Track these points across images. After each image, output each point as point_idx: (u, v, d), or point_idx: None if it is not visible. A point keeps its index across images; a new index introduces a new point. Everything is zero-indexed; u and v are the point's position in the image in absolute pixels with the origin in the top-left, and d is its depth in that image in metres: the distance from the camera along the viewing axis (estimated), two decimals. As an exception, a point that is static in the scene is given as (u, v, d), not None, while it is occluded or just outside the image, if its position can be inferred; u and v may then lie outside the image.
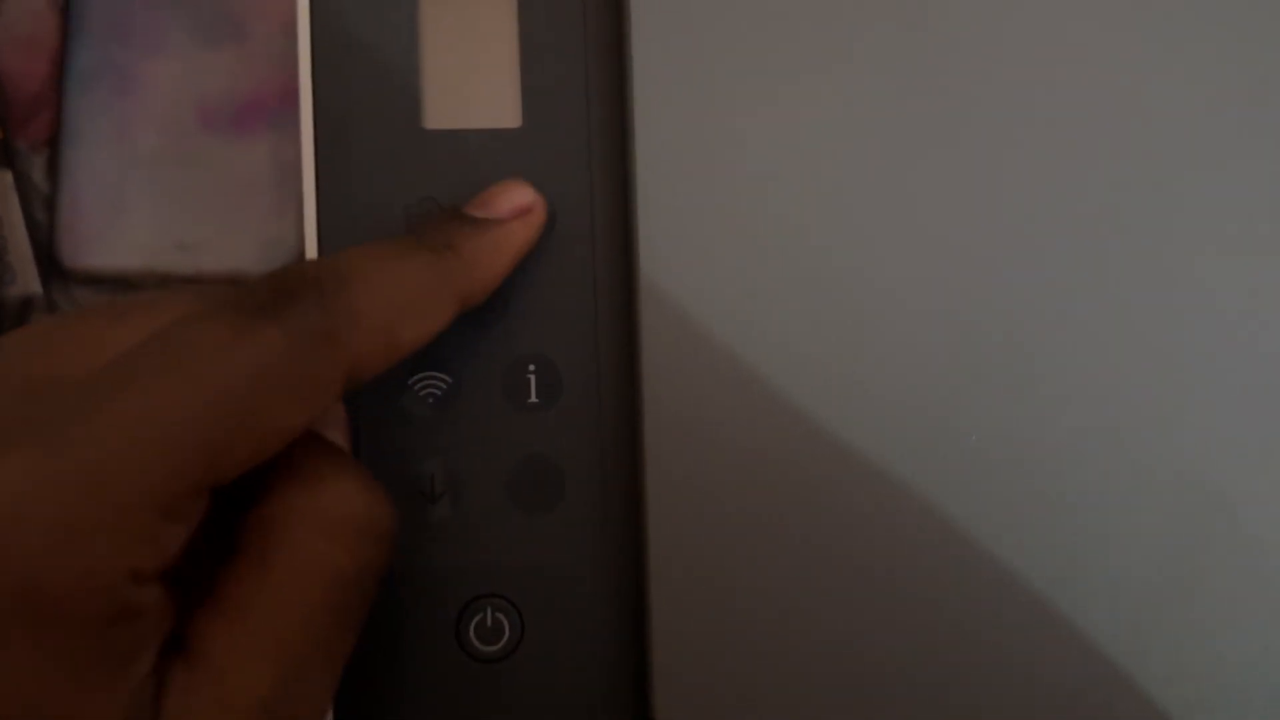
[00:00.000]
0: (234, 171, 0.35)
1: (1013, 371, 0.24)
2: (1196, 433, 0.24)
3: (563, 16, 0.25)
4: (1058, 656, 0.24)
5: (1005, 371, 0.24)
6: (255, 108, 0.35)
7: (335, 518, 0.20)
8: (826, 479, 0.24)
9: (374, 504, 0.20)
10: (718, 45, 0.24)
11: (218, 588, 0.19)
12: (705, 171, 0.24)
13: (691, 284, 0.24)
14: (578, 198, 0.25)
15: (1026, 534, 0.24)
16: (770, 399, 0.24)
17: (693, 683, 0.23)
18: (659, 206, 0.24)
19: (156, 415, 0.18)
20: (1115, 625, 0.24)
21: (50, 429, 0.17)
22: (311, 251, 0.25)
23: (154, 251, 0.34)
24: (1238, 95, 0.25)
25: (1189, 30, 0.25)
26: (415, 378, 0.25)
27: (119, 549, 0.17)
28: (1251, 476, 0.24)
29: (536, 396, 0.25)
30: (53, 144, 0.35)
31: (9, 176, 0.35)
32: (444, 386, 0.25)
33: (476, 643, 0.24)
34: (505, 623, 0.24)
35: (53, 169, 0.35)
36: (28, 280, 0.34)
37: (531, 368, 0.25)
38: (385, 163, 0.24)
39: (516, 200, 0.24)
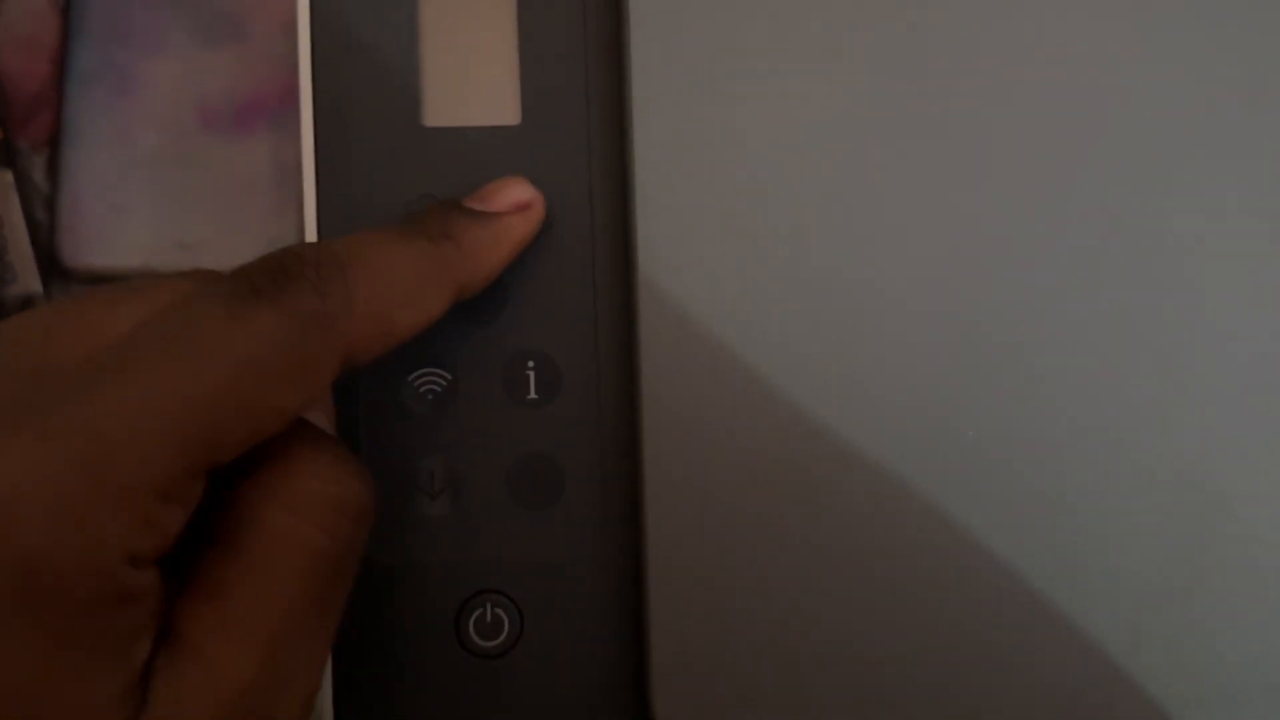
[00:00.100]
0: (234, 171, 0.35)
1: (1011, 370, 0.24)
2: (1195, 431, 0.24)
3: (562, 14, 0.25)
4: (1057, 654, 0.24)
5: (1004, 370, 0.24)
6: (255, 107, 0.35)
7: (309, 496, 0.20)
8: (825, 476, 0.24)
9: (348, 481, 0.20)
10: (716, 43, 0.24)
11: (199, 572, 0.19)
12: (704, 169, 0.24)
13: (690, 281, 0.24)
14: (577, 195, 0.25)
15: (1025, 532, 0.24)
16: (769, 396, 0.24)
17: (691, 678, 0.23)
18: (658, 204, 0.24)
19: (153, 398, 0.18)
20: (1114, 623, 0.24)
21: (48, 413, 0.17)
22: (311, 249, 0.25)
23: (154, 251, 0.34)
24: (1237, 95, 0.25)
25: (1189, 30, 0.25)
26: (415, 374, 0.25)
27: (118, 531, 0.17)
28: (1251, 475, 0.24)
29: (536, 393, 0.25)
30: (53, 144, 0.35)
31: (9, 176, 0.35)
32: (444, 383, 0.25)
33: (476, 638, 0.24)
34: (505, 618, 0.24)
35: (53, 169, 0.35)
36: (28, 280, 0.34)
37: (531, 364, 0.25)
38: (385, 160, 0.25)
39: (515, 196, 0.24)
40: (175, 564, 0.19)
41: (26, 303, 0.34)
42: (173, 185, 0.35)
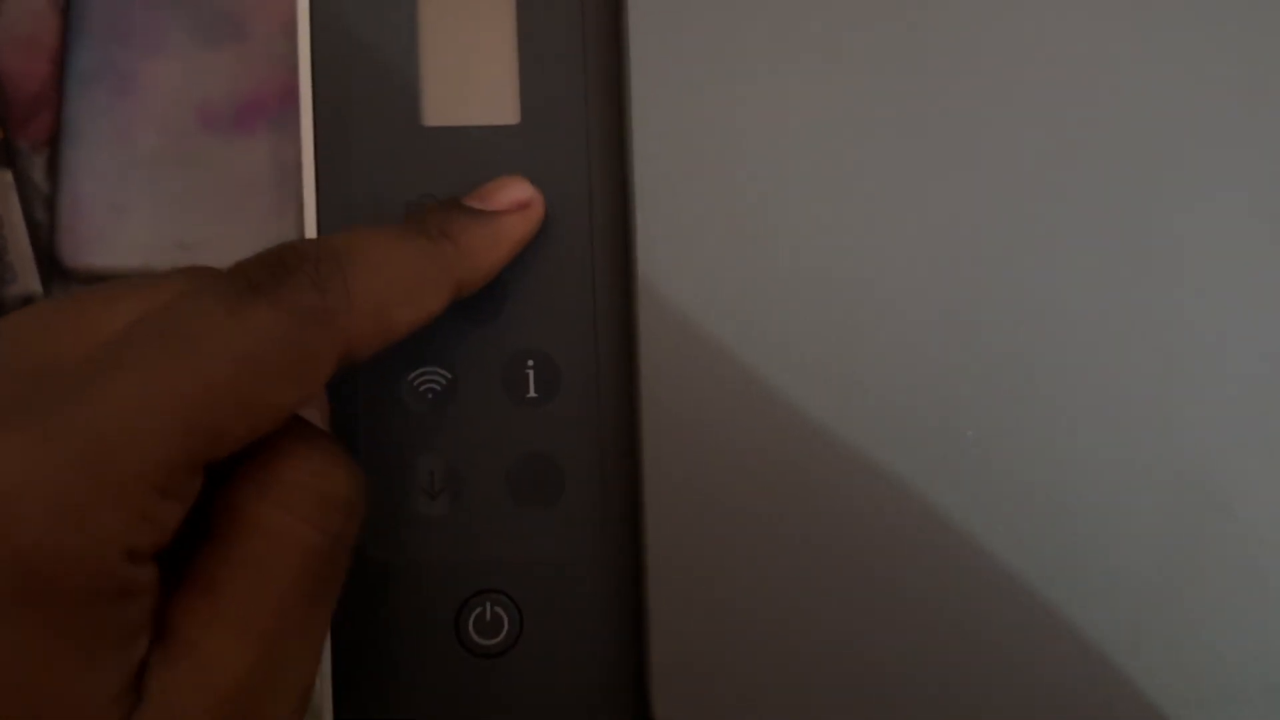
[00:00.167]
0: (234, 171, 0.35)
1: (1011, 370, 0.24)
2: (1195, 431, 0.24)
3: (561, 14, 0.25)
4: (1056, 654, 0.24)
5: (1003, 370, 0.24)
6: (255, 108, 0.35)
7: (298, 491, 0.20)
8: (824, 475, 0.24)
9: (338, 475, 0.20)
10: (715, 43, 0.24)
11: (192, 568, 0.19)
12: (703, 168, 0.24)
13: (689, 279, 0.24)
14: (576, 194, 0.25)
15: (1025, 532, 0.24)
16: (768, 395, 0.24)
17: (690, 677, 0.23)
18: (657, 203, 0.24)
19: (152, 394, 0.18)
20: (1113, 623, 0.24)
21: (47, 409, 0.17)
22: (311, 248, 0.25)
23: (154, 251, 0.34)
24: (1237, 94, 0.25)
25: (1189, 29, 0.25)
26: (415, 373, 0.25)
27: (116, 527, 0.17)
28: (1250, 474, 0.24)
29: (535, 392, 0.25)
30: (53, 144, 0.35)
31: (9, 176, 0.35)
32: (443, 382, 0.25)
33: (476, 637, 0.24)
34: (504, 617, 0.24)
35: (53, 169, 0.35)
36: (28, 280, 0.34)
37: (530, 363, 0.25)
38: (384, 160, 0.25)
39: (514, 195, 0.24)
40: (171, 562, 0.19)
41: (26, 303, 0.34)
42: (172, 185, 0.35)
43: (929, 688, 0.24)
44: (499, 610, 0.24)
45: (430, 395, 0.25)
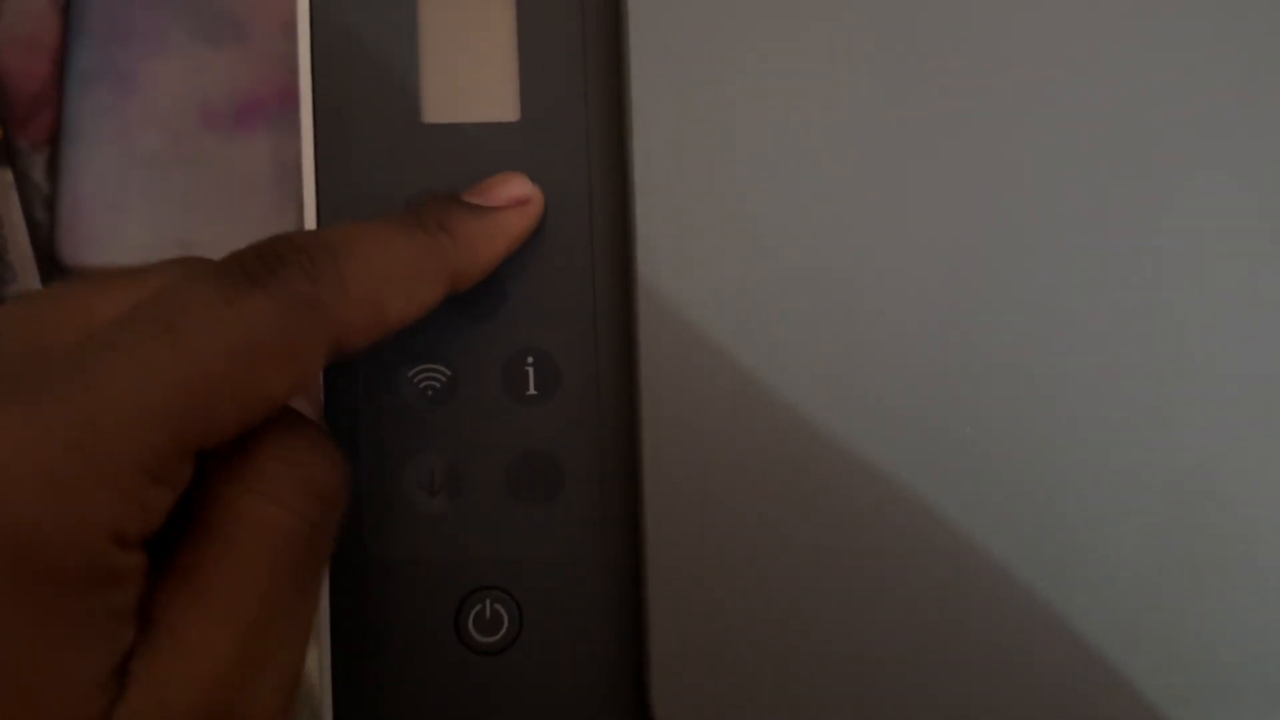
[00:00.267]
0: (234, 170, 0.35)
1: (1010, 368, 0.24)
2: (1193, 428, 0.24)
3: (561, 11, 0.25)
4: (1052, 650, 0.24)
5: (1002, 370, 0.24)
6: (255, 107, 0.35)
7: (276, 478, 0.20)
8: (824, 473, 0.24)
9: (317, 462, 0.20)
10: (715, 41, 0.24)
11: (175, 555, 0.19)
12: (703, 165, 0.24)
13: (689, 277, 0.24)
14: (576, 191, 0.25)
15: (1023, 531, 0.24)
16: (767, 392, 0.24)
17: (690, 675, 0.23)
18: (656, 200, 0.24)
19: (144, 378, 0.18)
20: (1112, 621, 0.24)
21: (39, 392, 0.18)
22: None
23: (154, 250, 0.35)
24: (1237, 93, 0.25)
25: (1191, 30, 0.25)
26: (415, 370, 0.25)
27: (105, 509, 0.17)
28: (1247, 469, 0.24)
29: (535, 389, 0.25)
30: (53, 143, 0.35)
31: (9, 175, 0.35)
32: (443, 379, 0.25)
33: (476, 635, 0.24)
34: (504, 614, 0.24)
35: (53, 168, 0.35)
36: (28, 279, 0.34)
37: (530, 360, 0.25)
38: (385, 157, 0.25)
39: (513, 191, 0.24)
40: (158, 554, 0.19)
41: (26, 302, 0.34)
42: (173, 185, 0.35)
43: (929, 686, 0.24)
44: (499, 608, 0.24)
45: (430, 392, 0.25)
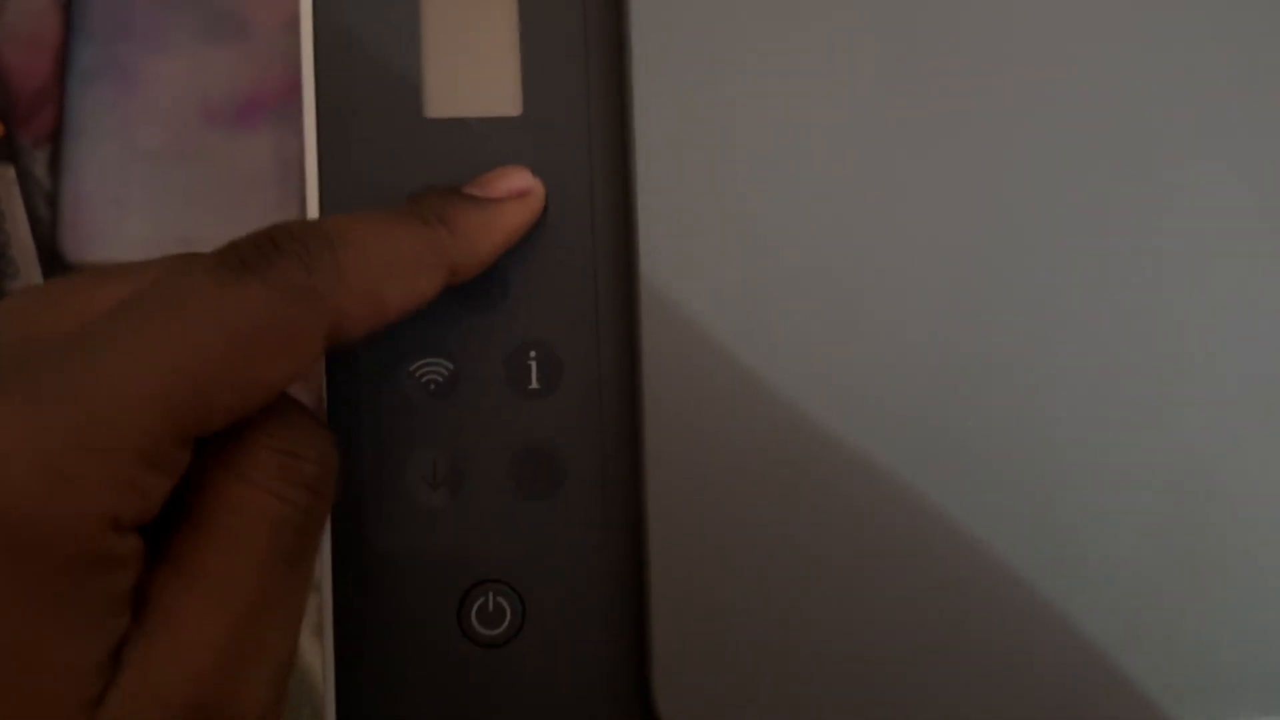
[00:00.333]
0: (236, 167, 0.35)
1: (1009, 366, 0.24)
2: (1192, 423, 0.24)
3: (563, 5, 0.25)
4: (1053, 648, 0.24)
5: (1001, 366, 0.24)
6: (257, 104, 0.35)
7: (263, 464, 0.20)
8: (824, 468, 0.24)
9: (305, 449, 0.20)
10: (717, 34, 0.24)
11: (170, 542, 0.20)
12: (705, 159, 0.24)
13: (690, 270, 0.24)
14: (578, 185, 0.25)
15: (1023, 527, 0.24)
16: (769, 387, 0.24)
17: (692, 667, 0.24)
18: (658, 194, 0.24)
19: (140, 363, 0.18)
20: (1111, 617, 0.24)
21: (36, 377, 0.18)
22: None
23: (156, 246, 0.35)
24: (1237, 92, 0.25)
25: (1191, 30, 0.25)
26: (417, 364, 0.25)
27: (102, 493, 0.18)
28: (1248, 467, 0.24)
29: (538, 383, 0.25)
30: (55, 140, 0.35)
31: (12, 172, 0.35)
32: (445, 372, 0.25)
33: (478, 627, 0.24)
34: (507, 607, 0.24)
35: (55, 164, 0.35)
36: (30, 274, 0.34)
37: (532, 354, 0.25)
38: (387, 151, 0.25)
39: (514, 183, 0.24)
40: (156, 539, 0.19)
41: (29, 298, 0.34)
42: (174, 181, 0.35)
43: (930, 683, 0.24)
44: (501, 601, 0.24)
45: (432, 386, 0.25)
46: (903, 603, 0.24)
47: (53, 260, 0.35)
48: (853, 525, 0.24)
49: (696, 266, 0.24)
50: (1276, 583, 0.24)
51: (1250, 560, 0.24)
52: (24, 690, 0.17)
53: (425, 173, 0.25)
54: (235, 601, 0.19)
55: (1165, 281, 0.25)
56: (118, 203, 0.35)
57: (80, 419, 0.17)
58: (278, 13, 0.36)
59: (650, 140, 0.24)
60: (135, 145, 0.35)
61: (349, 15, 0.25)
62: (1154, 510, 0.24)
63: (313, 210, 0.25)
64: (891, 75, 0.24)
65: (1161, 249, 0.25)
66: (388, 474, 0.24)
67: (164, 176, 0.35)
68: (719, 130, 0.24)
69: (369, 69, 0.25)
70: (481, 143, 0.25)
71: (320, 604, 0.24)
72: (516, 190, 0.24)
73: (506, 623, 0.24)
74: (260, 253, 0.20)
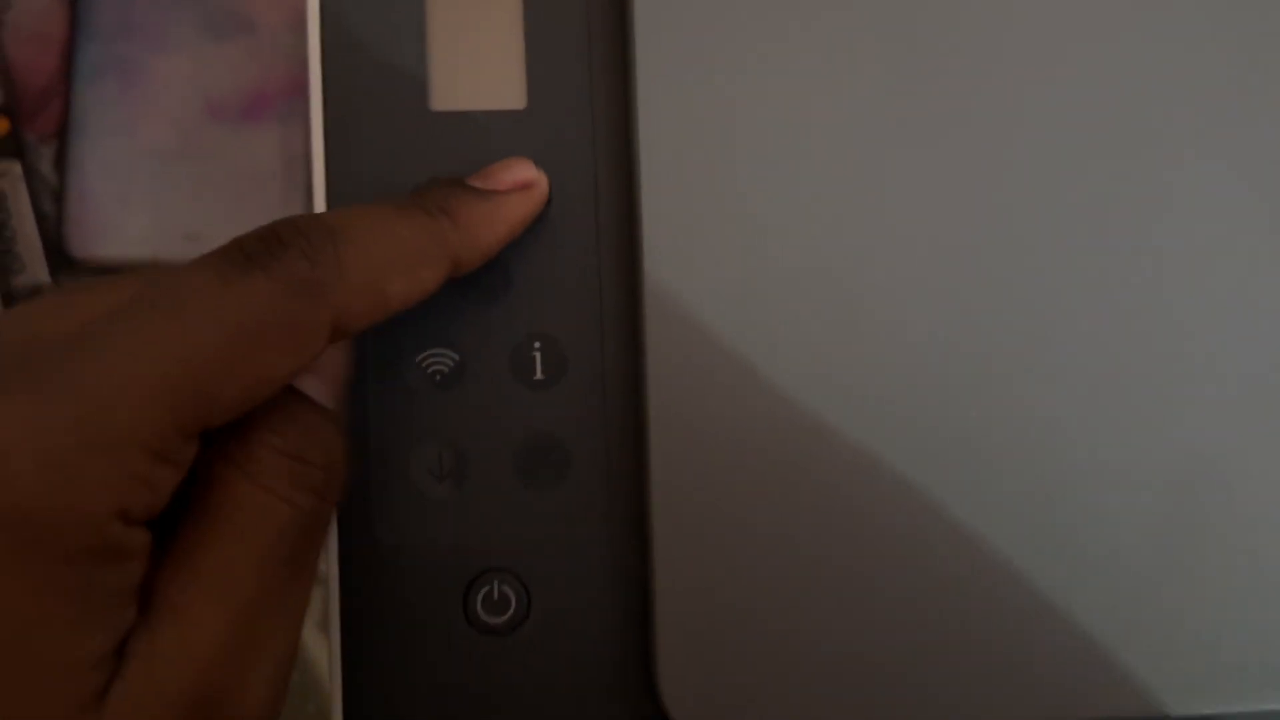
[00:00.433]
0: (241, 163, 0.35)
1: (1012, 362, 0.24)
2: (1193, 417, 0.25)
3: (567, -1, 0.25)
4: (1055, 642, 0.24)
5: (1004, 362, 0.24)
6: (261, 100, 0.35)
7: (268, 463, 0.20)
8: (827, 457, 0.24)
9: (311, 450, 0.21)
10: (720, 27, 0.24)
11: (176, 538, 0.20)
12: (708, 152, 0.24)
13: (693, 262, 0.24)
14: (582, 178, 0.25)
15: (1023, 519, 0.24)
16: (772, 377, 0.24)
17: (696, 655, 0.24)
18: (662, 186, 0.24)
19: (145, 357, 0.18)
20: (1113, 612, 0.24)
21: (43, 371, 0.18)
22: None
23: (161, 242, 0.35)
24: (1237, 91, 0.25)
25: (1191, 29, 0.25)
26: (422, 355, 0.25)
27: (109, 486, 0.18)
28: (1248, 460, 0.25)
29: (543, 374, 0.25)
30: (61, 136, 0.35)
31: (18, 168, 0.35)
32: (451, 363, 0.25)
33: (483, 615, 0.24)
34: (511, 596, 0.24)
35: (61, 161, 0.35)
36: (36, 270, 0.35)
37: (537, 345, 0.25)
38: (392, 143, 0.25)
39: (518, 175, 0.24)
40: (164, 535, 0.20)
41: (35, 292, 0.35)
42: (180, 177, 0.35)
43: (934, 674, 0.24)
44: (506, 589, 0.24)
45: (438, 377, 0.25)
46: (906, 595, 0.24)
47: (58, 256, 0.35)
48: (854, 517, 0.24)
49: (699, 258, 0.24)
50: (1275, 577, 0.25)
51: (1250, 553, 0.25)
52: (31, 682, 0.18)
53: (430, 165, 0.25)
54: (237, 598, 0.19)
55: (1165, 280, 0.25)
56: (123, 199, 0.35)
57: (85, 414, 0.18)
58: (281, 10, 0.36)
59: (654, 133, 0.24)
60: (140, 142, 0.35)
61: (355, 9, 0.25)
62: (1154, 507, 0.24)
63: (319, 201, 0.25)
64: (894, 72, 0.24)
65: (1161, 248, 0.25)
66: (393, 463, 0.24)
67: (169, 173, 0.35)
68: (722, 123, 0.24)
69: (375, 62, 0.25)
70: (486, 135, 0.25)
71: (325, 594, 0.24)
72: (520, 182, 0.24)
73: (511, 611, 0.24)
74: (264, 247, 0.20)
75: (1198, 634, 0.24)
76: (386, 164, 0.25)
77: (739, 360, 0.24)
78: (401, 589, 0.24)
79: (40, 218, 0.35)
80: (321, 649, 0.34)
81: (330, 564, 0.24)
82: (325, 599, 0.24)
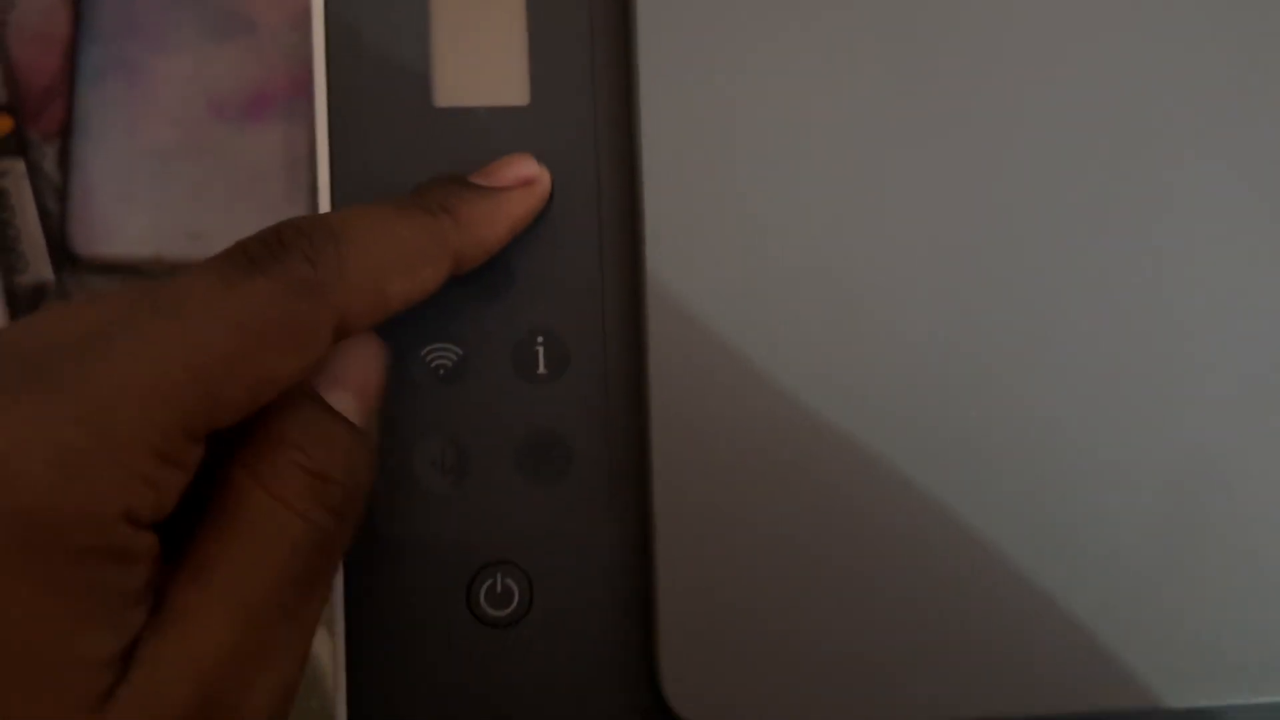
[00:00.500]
0: (243, 161, 0.35)
1: (1012, 359, 0.24)
2: (1193, 415, 0.25)
3: (570, -5, 0.25)
4: (1054, 637, 0.24)
5: (1005, 359, 0.24)
6: (263, 99, 0.36)
7: (289, 479, 0.20)
8: (828, 451, 0.24)
9: (332, 469, 0.21)
10: (722, 24, 0.24)
11: (190, 544, 0.20)
12: (710, 148, 0.24)
13: (695, 257, 0.24)
14: (584, 173, 0.25)
15: (1024, 514, 0.24)
16: (774, 372, 0.24)
17: (698, 648, 0.24)
18: (664, 182, 0.24)
19: (149, 360, 0.18)
20: (1112, 607, 0.24)
21: (49, 377, 0.18)
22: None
23: (164, 240, 0.35)
24: (1237, 88, 0.25)
25: (1191, 29, 0.25)
26: (426, 349, 0.25)
27: (116, 487, 0.18)
28: (1247, 457, 0.25)
29: (545, 369, 0.25)
30: (64, 135, 0.35)
31: (21, 166, 0.35)
32: (454, 358, 0.25)
33: (487, 608, 0.25)
34: (515, 588, 0.25)
35: (64, 159, 0.35)
36: (40, 268, 0.35)
37: (540, 340, 0.25)
38: (396, 139, 0.25)
39: (520, 172, 0.24)
40: (176, 540, 0.20)
41: (38, 290, 0.35)
42: (182, 176, 0.35)
43: (934, 668, 0.24)
44: (509, 581, 0.25)
45: (441, 371, 0.25)
46: (908, 589, 0.24)
47: (62, 254, 0.35)
48: (855, 511, 0.24)
49: (701, 254, 0.24)
50: (1274, 570, 0.25)
51: (1249, 548, 0.25)
52: (36, 679, 0.18)
53: (434, 160, 0.25)
54: (246, 609, 0.19)
55: (1165, 278, 0.25)
56: (126, 197, 0.35)
57: (93, 415, 0.18)
58: (283, 10, 0.36)
59: (656, 129, 0.24)
60: (143, 141, 0.35)
61: (359, 6, 0.25)
62: (1153, 503, 0.24)
63: (323, 196, 0.25)
64: (897, 68, 0.25)
65: (1161, 248, 0.25)
66: (397, 458, 0.25)
67: (171, 171, 0.35)
68: (724, 119, 0.24)
69: (378, 59, 0.25)
70: (490, 131, 0.25)
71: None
72: (522, 179, 0.24)
73: (515, 603, 0.25)
74: (266, 249, 0.20)
75: (1196, 628, 0.24)
76: (390, 159, 0.25)
77: (741, 355, 0.24)
78: (404, 582, 0.24)
79: (44, 216, 0.35)
80: (325, 646, 0.34)
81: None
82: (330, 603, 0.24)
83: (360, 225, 0.21)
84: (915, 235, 0.25)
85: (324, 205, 0.25)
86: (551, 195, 0.25)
